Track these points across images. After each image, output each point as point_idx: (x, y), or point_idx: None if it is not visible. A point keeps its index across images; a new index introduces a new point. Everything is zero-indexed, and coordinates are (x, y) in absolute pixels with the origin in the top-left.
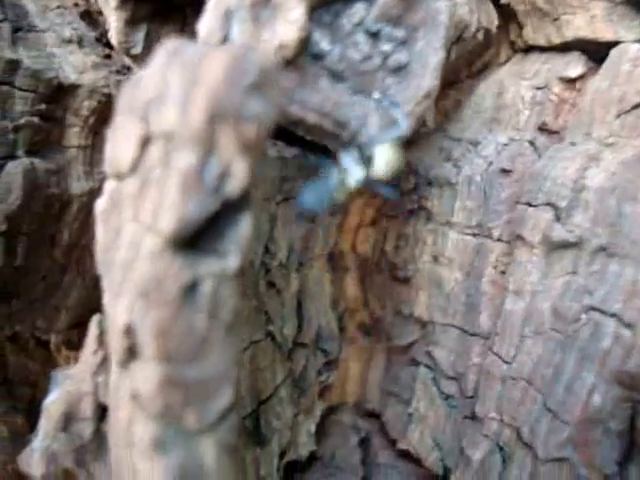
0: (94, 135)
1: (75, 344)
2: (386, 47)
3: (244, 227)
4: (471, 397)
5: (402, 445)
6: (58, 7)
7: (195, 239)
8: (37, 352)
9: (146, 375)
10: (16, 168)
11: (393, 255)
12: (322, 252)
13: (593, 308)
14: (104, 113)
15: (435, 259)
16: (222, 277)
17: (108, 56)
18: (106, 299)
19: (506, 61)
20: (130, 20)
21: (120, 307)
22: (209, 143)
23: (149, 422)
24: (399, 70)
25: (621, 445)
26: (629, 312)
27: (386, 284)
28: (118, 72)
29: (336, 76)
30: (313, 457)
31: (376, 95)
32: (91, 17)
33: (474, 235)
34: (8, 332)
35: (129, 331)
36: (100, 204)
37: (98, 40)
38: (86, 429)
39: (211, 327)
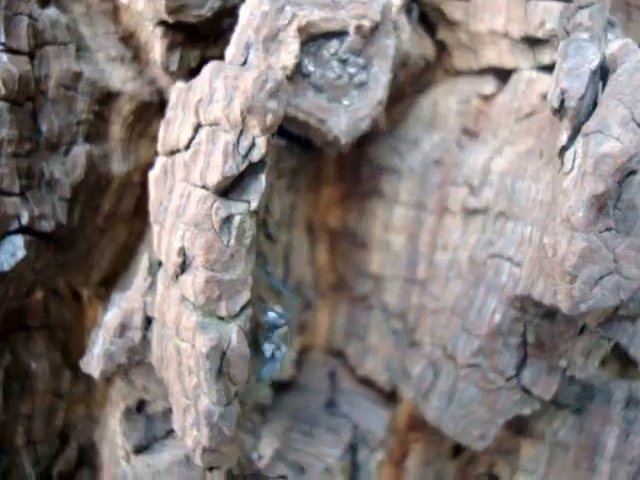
0: (131, 130)
1: (103, 297)
2: (352, 70)
3: (262, 182)
4: (412, 330)
5: (360, 372)
6: (105, 33)
7: (229, 190)
8: (72, 304)
9: (194, 280)
10: (79, 151)
11: (354, 226)
12: (303, 221)
13: (495, 255)
14: (139, 114)
15: (385, 228)
16: (246, 215)
17: (141, 72)
18: (159, 237)
19: (440, 82)
20: (169, 46)
21: (175, 237)
22: (243, 127)
23: (193, 313)
24: (360, 86)
25: (518, 355)
26: (519, 255)
27: (349, 249)
28: (149, 83)
29: (318, 89)
30: (290, 383)
31: (345, 102)
32: (127, 42)
33: (414, 209)
34: (58, 281)
35: (181, 252)
36: (153, 173)
37: (133, 58)
38: (136, 335)
39: (237, 247)
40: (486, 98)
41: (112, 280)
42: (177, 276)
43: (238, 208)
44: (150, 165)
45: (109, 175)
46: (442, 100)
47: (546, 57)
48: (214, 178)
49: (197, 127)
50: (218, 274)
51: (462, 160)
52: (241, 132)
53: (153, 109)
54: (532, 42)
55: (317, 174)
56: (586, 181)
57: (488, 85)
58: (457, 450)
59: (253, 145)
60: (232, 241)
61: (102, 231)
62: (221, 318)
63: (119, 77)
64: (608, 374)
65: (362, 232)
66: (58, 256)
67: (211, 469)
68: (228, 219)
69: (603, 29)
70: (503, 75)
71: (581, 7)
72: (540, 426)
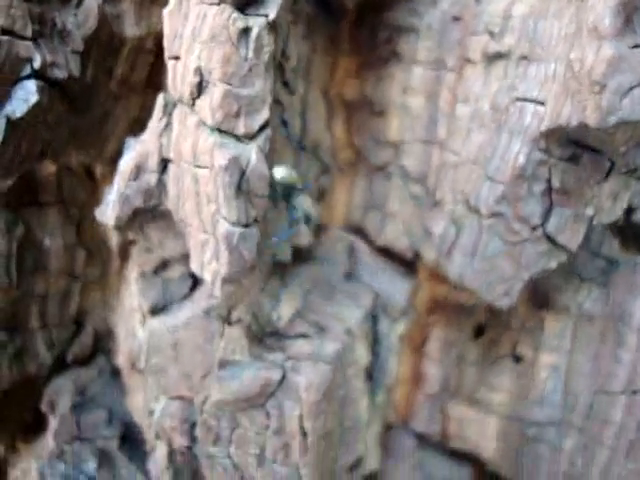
0: None
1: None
2: None
3: None
4: (433, 190)
5: (380, 242)
6: None
7: (246, 6)
8: (85, 181)
9: (211, 98)
10: (91, 3)
11: (372, 94)
12: (319, 85)
13: (518, 99)
14: None
15: (404, 91)
16: (264, 27)
17: None
18: (173, 71)
19: None
20: None
21: (192, 57)
22: None
23: (211, 135)
24: None
25: (543, 202)
26: (542, 94)
27: (366, 119)
28: None
29: None
30: (308, 254)
31: None
32: None
33: (433, 68)
34: (71, 155)
35: (198, 71)
36: (167, 8)
37: None
38: (152, 178)
39: (256, 62)
40: None
41: None
42: (194, 100)
43: (256, 21)
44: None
45: (122, 37)
46: None
47: None
48: None
49: None
50: (236, 88)
51: (481, 11)
52: None
53: None
54: None
55: (333, 40)
56: None
57: None
58: (479, 331)
59: None
60: (250, 54)
61: (116, 98)
62: (239, 139)
63: None
64: (632, 251)
65: (379, 99)
66: (71, 116)
67: (230, 323)
68: (245, 31)
69: None
70: None
71: None
72: (564, 299)
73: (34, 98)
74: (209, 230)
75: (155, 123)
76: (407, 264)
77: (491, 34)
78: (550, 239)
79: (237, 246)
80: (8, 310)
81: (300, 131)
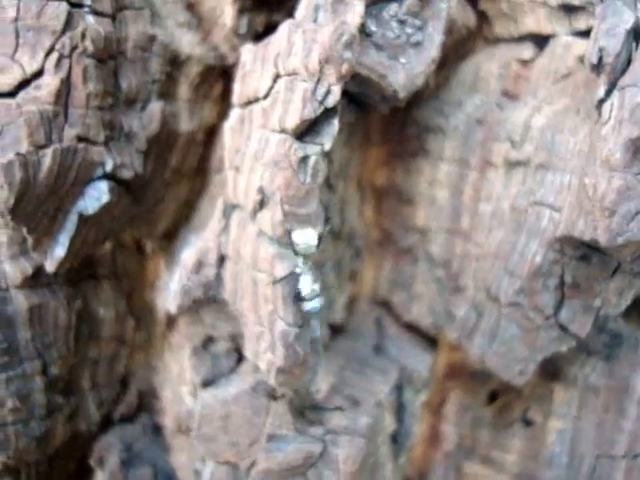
0: (196, 92)
1: (165, 250)
2: (409, 30)
3: (334, 126)
4: (456, 276)
5: (406, 318)
6: (173, 0)
7: (305, 134)
8: (136, 256)
9: (273, 215)
10: (154, 107)
11: (401, 184)
12: (355, 177)
13: (536, 203)
14: (203, 77)
15: (430, 183)
16: (320, 156)
17: (205, 38)
18: (234, 182)
19: (481, 49)
20: (239, 11)
21: (254, 177)
22: (320, 75)
23: (271, 245)
24: (417, 45)
25: (556, 295)
26: (558, 202)
27: (395, 206)
28: (213, 49)
29: (379, 47)
30: (341, 329)
31: (403, 60)
32: (192, 9)
33: (458, 166)
34: (126, 233)
35: (261, 190)
36: (229, 124)
37: (198, 25)
38: (211, 272)
39: (312, 185)
40: (525, 63)
41: (173, 234)
42: (255, 213)
43: (313, 149)
44: (212, 126)
45: (177, 132)
46: (483, 65)
47: (582, 23)
48: (293, 122)
49: (276, 77)
50: (294, 208)
51: (504, 118)
52: (318, 80)
53: (216, 73)
54: (569, 9)
55: (366, 134)
56: (623, 127)
57: (527, 50)
58: (493, 397)
59: (329, 92)
60: (308, 179)
61: (168, 185)
62: (296, 252)
63: (187, 42)
64: (635, 326)
65: (408, 189)
66: (133, 206)
67: (275, 398)
68: (304, 159)
69: None
70: (540, 41)
71: None
72: (572, 372)
73: (106, 197)
74: (266, 325)
75: (215, 224)
76: (429, 338)
77: (512, 142)
78: (562, 327)
79: (292, 344)
80: (65, 376)
81: (339, 224)
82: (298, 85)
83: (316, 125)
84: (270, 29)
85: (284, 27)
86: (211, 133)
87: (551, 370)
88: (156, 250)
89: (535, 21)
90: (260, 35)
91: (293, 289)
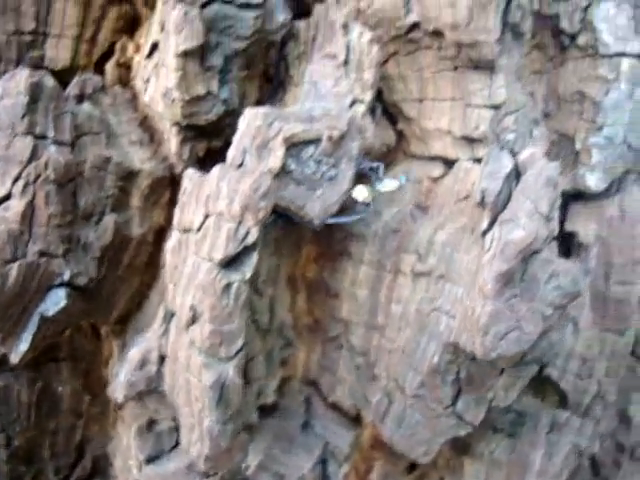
0: (147, 201)
1: (118, 333)
2: (324, 168)
3: (254, 258)
4: (372, 366)
5: (331, 399)
6: (127, 120)
7: (229, 263)
8: (92, 339)
9: (201, 330)
10: (108, 220)
11: (328, 280)
12: (285, 277)
13: (435, 309)
14: (153, 187)
15: (352, 282)
16: (241, 282)
17: (155, 151)
18: (173, 293)
19: (400, 163)
20: (182, 141)
21: (188, 296)
22: (241, 219)
23: (200, 355)
24: (331, 180)
25: (453, 389)
26: (453, 310)
27: (323, 298)
28: (162, 161)
29: (298, 182)
30: (273, 407)
31: (318, 192)
32: (144, 124)
33: (375, 268)
34: (83, 321)
35: (192, 308)
36: (170, 244)
37: (150, 140)
38: (153, 368)
39: (235, 307)
40: (434, 180)
41: (126, 319)
42: (188, 326)
43: (236, 277)
44: (160, 228)
45: (129, 237)
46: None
47: (481, 152)
48: (219, 255)
49: (206, 216)
50: (220, 327)
51: (414, 230)
52: (239, 223)
53: (165, 182)
54: (469, 140)
55: (298, 239)
56: (495, 261)
57: (437, 169)
58: (412, 467)
59: (248, 233)
60: (231, 302)
61: (121, 280)
62: (221, 359)
63: (139, 158)
64: (540, 403)
65: (334, 285)
66: (87, 303)
67: (208, 476)
68: (228, 286)
69: (529, 128)
70: (448, 163)
71: (508, 113)
72: (480, 447)
73: (64, 302)
74: (196, 420)
75: (156, 328)
76: (352, 418)
77: (419, 255)
78: (459, 416)
79: (216, 438)
80: (25, 446)
81: (268, 321)
82: (223, 225)
83: (239, 257)
84: (210, 153)
85: (215, 171)
86: (160, 232)
87: (461, 445)
88: (110, 333)
89: (442, 147)
90: (201, 160)
91: (218, 394)
